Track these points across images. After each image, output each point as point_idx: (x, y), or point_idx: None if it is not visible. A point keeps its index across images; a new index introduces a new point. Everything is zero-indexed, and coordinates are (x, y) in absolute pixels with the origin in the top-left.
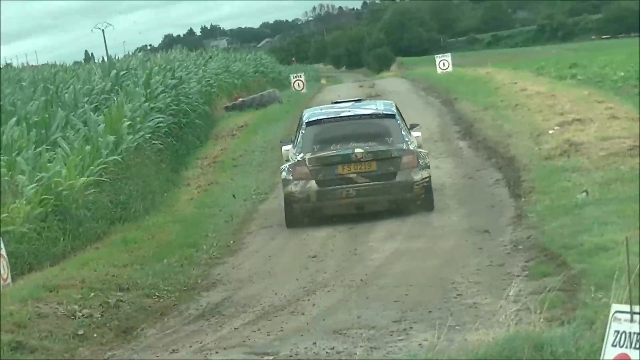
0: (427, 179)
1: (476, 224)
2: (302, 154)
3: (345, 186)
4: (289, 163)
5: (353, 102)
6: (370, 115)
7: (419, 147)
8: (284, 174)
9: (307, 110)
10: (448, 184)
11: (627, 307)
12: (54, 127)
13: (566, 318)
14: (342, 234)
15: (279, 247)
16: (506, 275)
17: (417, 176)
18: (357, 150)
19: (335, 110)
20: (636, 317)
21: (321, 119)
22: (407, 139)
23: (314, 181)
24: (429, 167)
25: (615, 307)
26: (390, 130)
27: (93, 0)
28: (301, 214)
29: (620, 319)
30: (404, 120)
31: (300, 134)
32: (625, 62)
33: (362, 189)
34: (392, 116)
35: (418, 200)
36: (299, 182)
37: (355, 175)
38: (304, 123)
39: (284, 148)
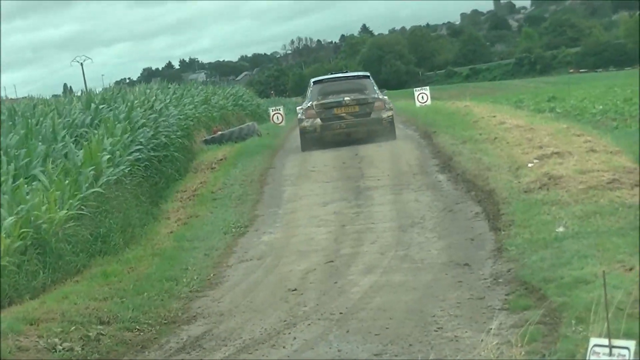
0: (391, 117)
1: (456, 257)
2: (310, 102)
3: (338, 121)
4: (302, 108)
5: (342, 72)
6: (354, 77)
7: (385, 97)
8: (299, 115)
9: (313, 78)
10: (427, 217)
11: (605, 341)
12: (33, 161)
13: (547, 351)
14: (321, 267)
15: (259, 281)
16: (486, 309)
17: (385, 115)
18: (346, 98)
19: (331, 76)
20: (615, 350)
21: (322, 79)
22: (377, 92)
23: (319, 119)
24: (392, 109)
25: (593, 340)
26: (366, 86)
27: (72, 34)
28: (311, 142)
29: (599, 353)
30: (375, 83)
31: (309, 91)
32: (603, 95)
33: (349, 123)
34: (367, 77)
35: (385, 130)
36: (309, 120)
37: (345, 114)
38: (312, 83)
39: (298, 108)
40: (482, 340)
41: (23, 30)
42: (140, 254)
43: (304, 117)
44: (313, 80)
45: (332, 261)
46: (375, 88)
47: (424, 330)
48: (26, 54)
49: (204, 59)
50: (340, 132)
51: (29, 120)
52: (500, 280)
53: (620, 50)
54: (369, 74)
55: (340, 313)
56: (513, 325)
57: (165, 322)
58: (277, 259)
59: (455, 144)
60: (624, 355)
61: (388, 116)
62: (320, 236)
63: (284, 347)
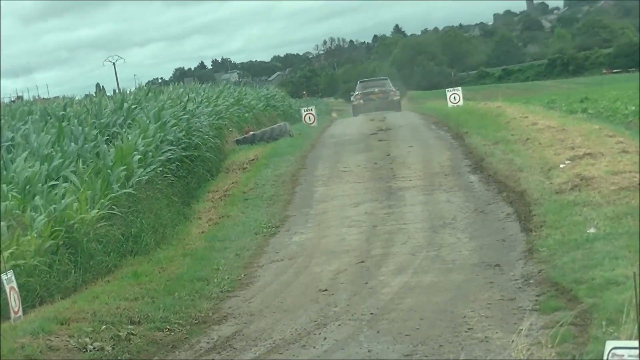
0: (398, 99)
1: (487, 258)
2: (358, 92)
3: (372, 102)
4: (353, 95)
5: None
6: (379, 79)
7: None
8: (352, 99)
9: (359, 80)
10: (459, 217)
11: (623, 343)
12: (65, 160)
13: (577, 352)
14: (352, 267)
15: (290, 281)
16: (517, 310)
17: (395, 97)
18: (375, 90)
19: (366, 79)
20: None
21: (363, 81)
22: (392, 87)
23: (361, 100)
24: (399, 95)
25: (610, 343)
26: (385, 84)
27: (106, 34)
28: (358, 110)
29: (622, 355)
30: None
31: (357, 87)
32: (636, 96)
33: (377, 103)
34: (386, 79)
35: (394, 105)
36: (357, 100)
37: (375, 98)
38: (358, 82)
39: (351, 95)
40: (512, 341)
41: (58, 30)
42: (172, 254)
43: (354, 100)
44: (359, 81)
45: (363, 262)
46: (390, 85)
47: (454, 331)
48: (61, 54)
49: (237, 59)
50: (372, 106)
51: (61, 121)
52: (531, 281)
53: None
54: (387, 78)
55: (371, 314)
56: (544, 327)
57: (195, 322)
58: (308, 260)
59: (487, 145)
60: None
61: (396, 99)
62: (352, 236)
63: (314, 348)
